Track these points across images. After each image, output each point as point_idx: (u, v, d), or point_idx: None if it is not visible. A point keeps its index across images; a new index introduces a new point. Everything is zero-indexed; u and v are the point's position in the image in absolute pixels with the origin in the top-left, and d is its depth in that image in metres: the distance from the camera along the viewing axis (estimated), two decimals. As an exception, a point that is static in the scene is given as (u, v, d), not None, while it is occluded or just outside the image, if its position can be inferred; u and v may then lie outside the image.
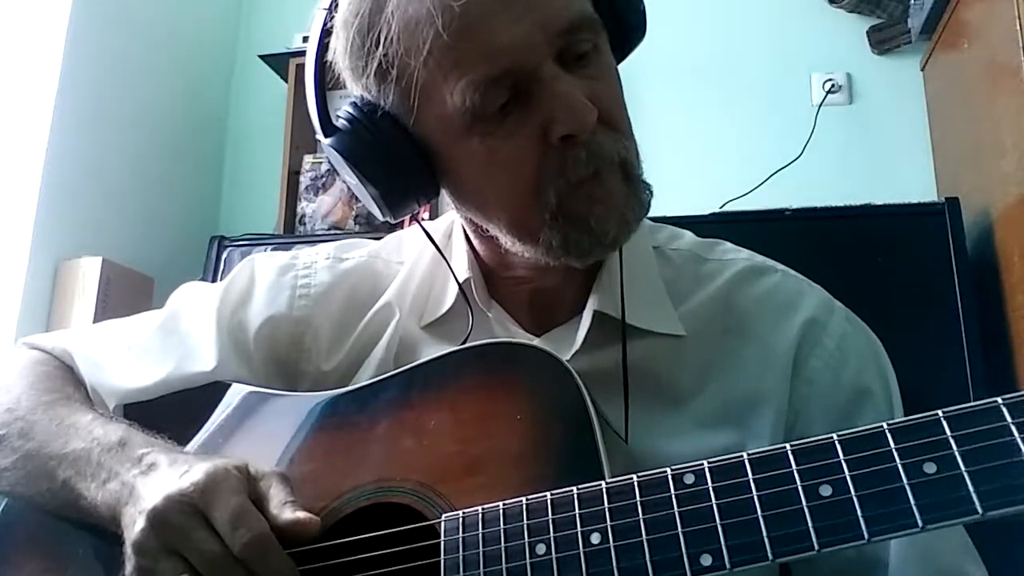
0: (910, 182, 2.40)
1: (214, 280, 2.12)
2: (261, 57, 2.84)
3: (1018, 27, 1.78)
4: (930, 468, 0.53)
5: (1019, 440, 0.51)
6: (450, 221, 0.98)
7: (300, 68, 2.68)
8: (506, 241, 0.83)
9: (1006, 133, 1.90)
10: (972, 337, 1.77)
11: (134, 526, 0.69)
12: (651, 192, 0.81)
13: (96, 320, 2.14)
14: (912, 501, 0.52)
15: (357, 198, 2.56)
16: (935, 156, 2.44)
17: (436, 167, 0.81)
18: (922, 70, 2.50)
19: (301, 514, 0.70)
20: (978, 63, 2.09)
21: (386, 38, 0.75)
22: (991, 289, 1.93)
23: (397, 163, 0.80)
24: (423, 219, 0.96)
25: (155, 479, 0.72)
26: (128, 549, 0.69)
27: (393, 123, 0.79)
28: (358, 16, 0.77)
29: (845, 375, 0.85)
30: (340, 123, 0.81)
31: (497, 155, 0.77)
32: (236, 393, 0.89)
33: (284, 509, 0.70)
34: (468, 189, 0.83)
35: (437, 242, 0.93)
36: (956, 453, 0.52)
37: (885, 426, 0.56)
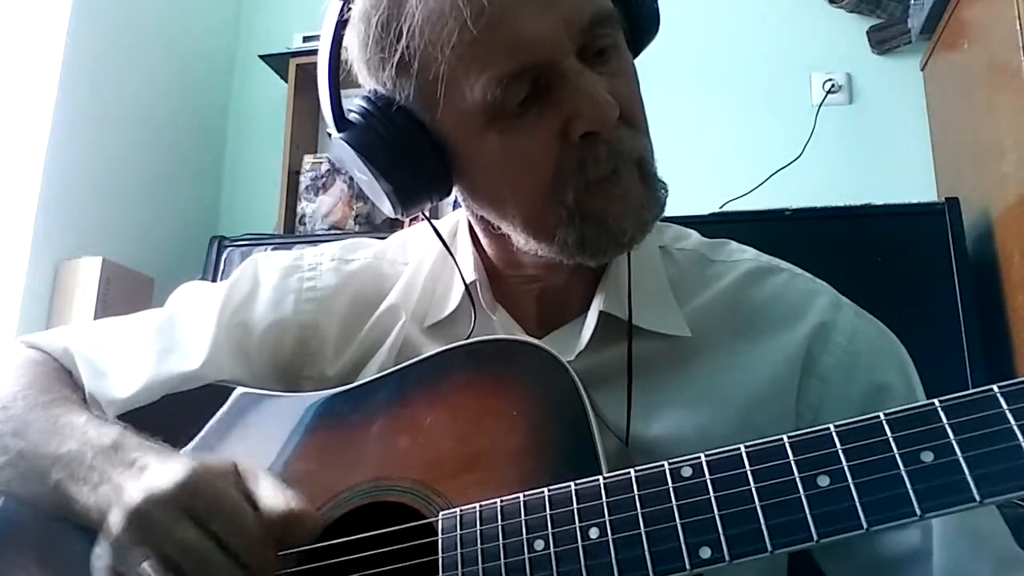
0: (910, 182, 2.40)
1: (214, 280, 2.12)
2: (261, 57, 2.85)
3: (1018, 27, 1.78)
4: (927, 456, 0.53)
5: (1015, 427, 0.51)
6: (455, 222, 0.96)
7: (300, 68, 2.73)
8: (519, 239, 0.82)
9: (1006, 133, 1.90)
10: (972, 337, 1.77)
11: (113, 525, 0.68)
12: (666, 190, 0.80)
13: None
14: (910, 489, 0.52)
15: (357, 198, 2.59)
16: (935, 156, 2.44)
17: (451, 163, 0.80)
18: (922, 70, 2.51)
19: (296, 505, 0.70)
20: (978, 63, 2.10)
21: (408, 30, 0.74)
22: (991, 289, 1.93)
23: (412, 158, 0.79)
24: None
25: (143, 480, 0.71)
26: (105, 547, 0.68)
27: (409, 117, 0.78)
28: (379, 7, 0.76)
29: (859, 372, 0.84)
30: (353, 117, 0.80)
31: (515, 151, 0.76)
32: (234, 395, 0.88)
33: (277, 503, 0.70)
34: (483, 185, 0.82)
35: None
36: (953, 441, 0.52)
37: (882, 416, 0.55)
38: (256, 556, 0.67)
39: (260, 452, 0.81)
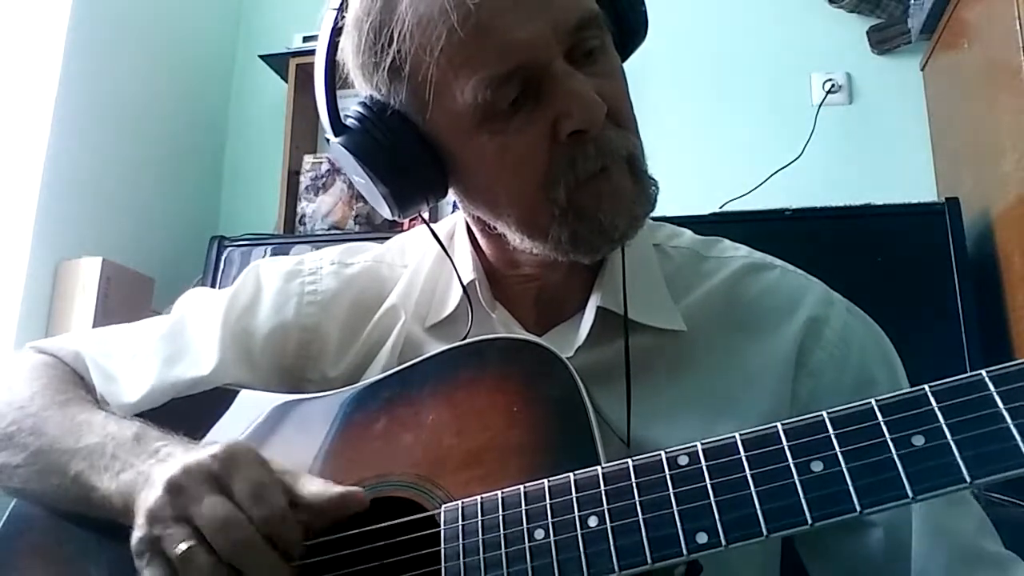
0: (910, 182, 2.40)
1: (214, 280, 2.13)
2: (261, 57, 2.85)
3: (1018, 27, 1.78)
4: (918, 440, 0.54)
5: (1003, 410, 0.52)
6: (452, 224, 0.98)
7: (300, 68, 2.74)
8: (514, 238, 0.84)
9: (1006, 133, 1.91)
10: (972, 337, 1.77)
11: (148, 498, 0.69)
12: (657, 188, 0.82)
13: (96, 320, 2.15)
14: (902, 472, 0.53)
15: (357, 198, 2.59)
16: (935, 156, 2.44)
17: (445, 165, 0.82)
18: (922, 70, 2.51)
19: (346, 488, 0.72)
20: (978, 63, 2.10)
21: (399, 35, 0.75)
22: (991, 289, 1.93)
23: (407, 161, 0.81)
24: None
25: (177, 460, 0.72)
26: (140, 519, 0.69)
27: (403, 121, 0.80)
28: (371, 13, 0.77)
29: (849, 366, 0.85)
30: (350, 122, 0.82)
31: (507, 151, 0.77)
32: (243, 400, 0.90)
33: (328, 485, 0.72)
34: (477, 186, 0.84)
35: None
36: (943, 425, 0.53)
37: (873, 402, 0.57)
38: (280, 527, 0.68)
39: (267, 453, 0.82)
